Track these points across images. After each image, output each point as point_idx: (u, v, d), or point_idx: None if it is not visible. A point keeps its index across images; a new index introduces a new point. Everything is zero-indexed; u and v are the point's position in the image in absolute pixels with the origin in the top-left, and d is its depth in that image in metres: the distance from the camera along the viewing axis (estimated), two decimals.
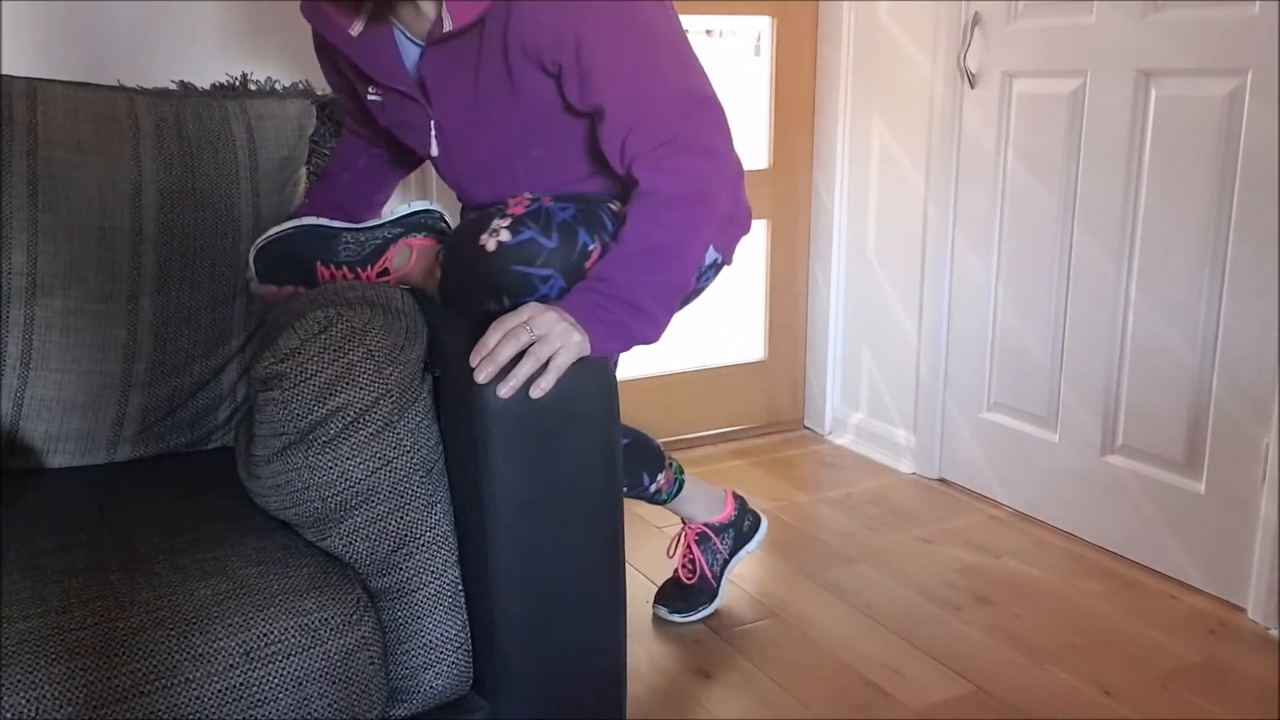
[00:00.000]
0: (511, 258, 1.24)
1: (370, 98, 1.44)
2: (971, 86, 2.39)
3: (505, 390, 1.14)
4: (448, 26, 1.28)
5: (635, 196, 1.28)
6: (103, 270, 1.45)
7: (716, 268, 1.49)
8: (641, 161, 1.27)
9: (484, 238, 1.26)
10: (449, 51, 1.32)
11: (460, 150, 1.43)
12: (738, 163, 1.44)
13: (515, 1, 1.24)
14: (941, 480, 2.61)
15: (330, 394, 1.15)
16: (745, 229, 1.52)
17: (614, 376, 1.25)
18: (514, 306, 1.25)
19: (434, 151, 1.43)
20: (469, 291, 1.29)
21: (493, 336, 1.16)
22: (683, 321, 1.61)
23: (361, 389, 1.16)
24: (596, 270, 1.26)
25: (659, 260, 1.27)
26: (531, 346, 1.16)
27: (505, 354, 1.15)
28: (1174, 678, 1.77)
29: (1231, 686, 1.74)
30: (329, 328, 1.17)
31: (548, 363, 1.16)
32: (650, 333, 1.27)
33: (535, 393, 1.15)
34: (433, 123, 1.40)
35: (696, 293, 1.50)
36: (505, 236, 1.25)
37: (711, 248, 1.45)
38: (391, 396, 1.18)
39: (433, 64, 1.34)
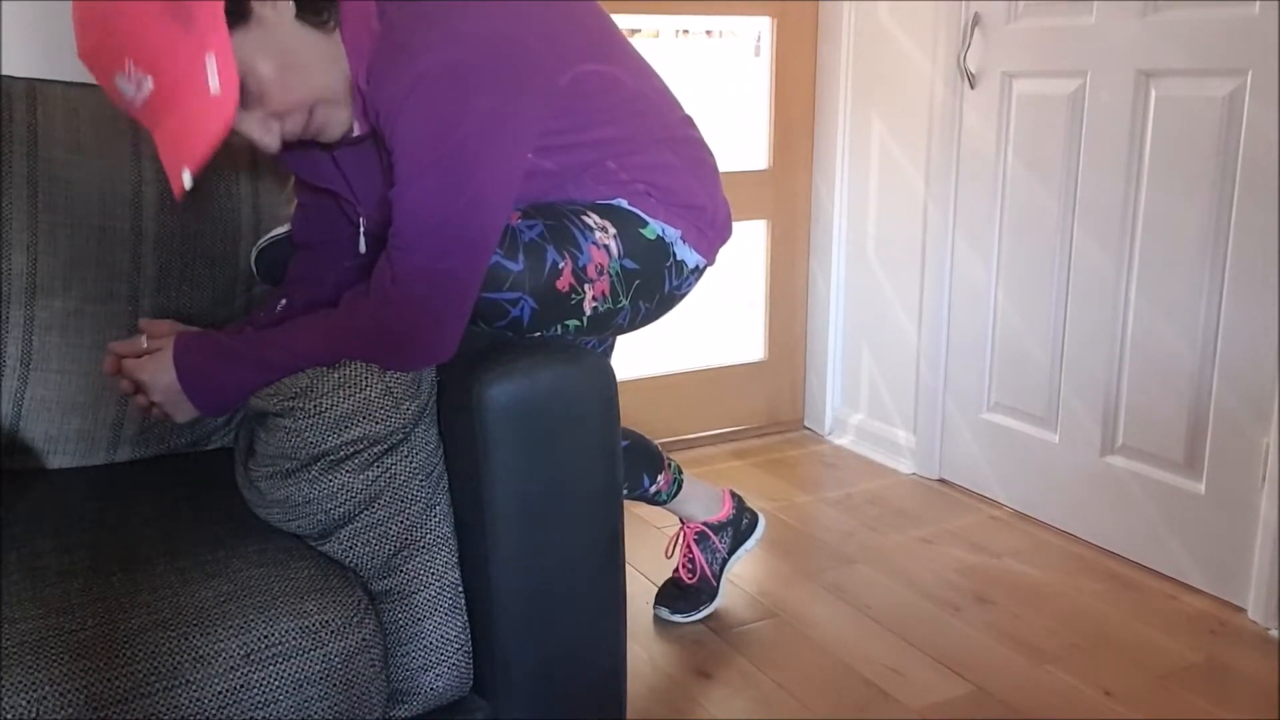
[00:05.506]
0: None
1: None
2: (971, 86, 2.39)
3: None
4: (356, 132, 1.24)
5: (358, 291, 1.21)
6: (103, 271, 1.45)
7: (699, 271, 1.47)
8: (380, 275, 1.18)
9: None
10: (361, 152, 1.28)
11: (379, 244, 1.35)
12: (712, 161, 1.44)
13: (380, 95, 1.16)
14: (941, 480, 2.61)
15: (345, 427, 1.13)
16: (727, 231, 1.49)
17: (614, 376, 1.25)
18: (491, 329, 1.24)
19: (362, 248, 1.37)
20: None
21: (134, 372, 1.24)
22: (683, 322, 1.59)
23: (378, 423, 1.15)
24: (269, 332, 1.21)
25: (309, 355, 1.19)
26: (139, 395, 1.25)
27: (124, 386, 1.25)
28: (1174, 678, 1.77)
29: (1231, 686, 1.74)
30: (346, 362, 1.16)
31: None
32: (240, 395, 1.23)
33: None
34: (361, 219, 1.35)
35: (680, 298, 1.48)
36: None
37: (694, 250, 1.42)
38: (406, 428, 1.17)
39: (351, 164, 1.30)
